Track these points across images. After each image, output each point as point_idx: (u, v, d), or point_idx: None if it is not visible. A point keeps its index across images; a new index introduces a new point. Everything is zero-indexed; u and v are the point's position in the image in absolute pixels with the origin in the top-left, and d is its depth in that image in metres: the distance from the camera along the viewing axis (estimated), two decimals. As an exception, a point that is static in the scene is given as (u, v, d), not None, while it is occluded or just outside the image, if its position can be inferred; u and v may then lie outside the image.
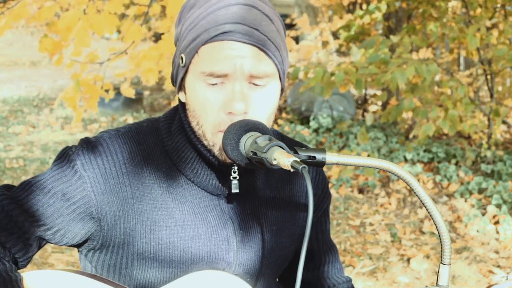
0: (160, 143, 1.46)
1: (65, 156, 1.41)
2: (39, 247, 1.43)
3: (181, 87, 1.44)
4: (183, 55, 1.38)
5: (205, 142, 1.39)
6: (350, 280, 1.71)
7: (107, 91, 3.99)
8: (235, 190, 1.42)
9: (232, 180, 1.42)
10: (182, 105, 1.46)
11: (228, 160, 1.36)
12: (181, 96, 1.45)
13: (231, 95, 1.33)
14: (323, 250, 1.68)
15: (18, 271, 1.38)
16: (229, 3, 1.34)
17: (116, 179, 1.39)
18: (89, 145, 1.41)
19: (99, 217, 1.39)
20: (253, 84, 1.35)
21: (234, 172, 1.42)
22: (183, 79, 1.41)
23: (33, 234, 1.38)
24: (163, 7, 3.73)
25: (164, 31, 3.94)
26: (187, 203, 1.44)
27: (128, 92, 4.10)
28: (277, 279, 1.72)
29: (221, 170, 1.43)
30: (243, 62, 1.32)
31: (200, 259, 1.44)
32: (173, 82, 1.47)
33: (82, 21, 3.28)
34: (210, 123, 1.36)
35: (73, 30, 3.31)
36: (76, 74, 3.78)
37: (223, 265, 1.46)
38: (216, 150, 1.38)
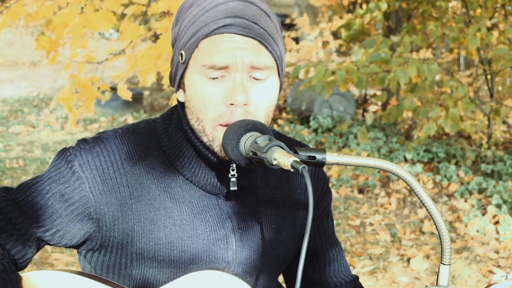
0: (158, 143, 1.46)
1: (63, 157, 1.41)
2: (38, 248, 1.43)
3: (180, 85, 1.44)
4: (182, 52, 1.38)
5: (205, 138, 1.39)
6: (357, 279, 1.69)
7: (103, 92, 3.96)
8: (233, 187, 1.41)
9: (230, 178, 1.41)
10: (180, 104, 1.46)
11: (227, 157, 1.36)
12: (180, 95, 1.45)
13: (232, 87, 1.33)
14: (326, 248, 1.67)
15: (18, 272, 1.38)
16: None
17: (114, 179, 1.39)
18: (86, 145, 1.41)
19: (98, 217, 1.39)
20: (253, 78, 1.36)
21: (233, 170, 1.42)
22: (182, 76, 1.41)
23: (32, 235, 1.38)
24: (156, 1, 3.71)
25: (162, 31, 3.93)
26: (185, 203, 1.43)
27: (125, 93, 4.04)
28: (284, 280, 1.72)
29: (219, 168, 1.42)
30: (244, 54, 1.33)
31: (199, 259, 1.44)
32: (172, 81, 1.47)
33: (79, 18, 3.27)
34: (210, 117, 1.36)
35: (69, 26, 3.29)
36: (73, 75, 3.77)
37: (222, 265, 1.46)
38: (215, 146, 1.37)
